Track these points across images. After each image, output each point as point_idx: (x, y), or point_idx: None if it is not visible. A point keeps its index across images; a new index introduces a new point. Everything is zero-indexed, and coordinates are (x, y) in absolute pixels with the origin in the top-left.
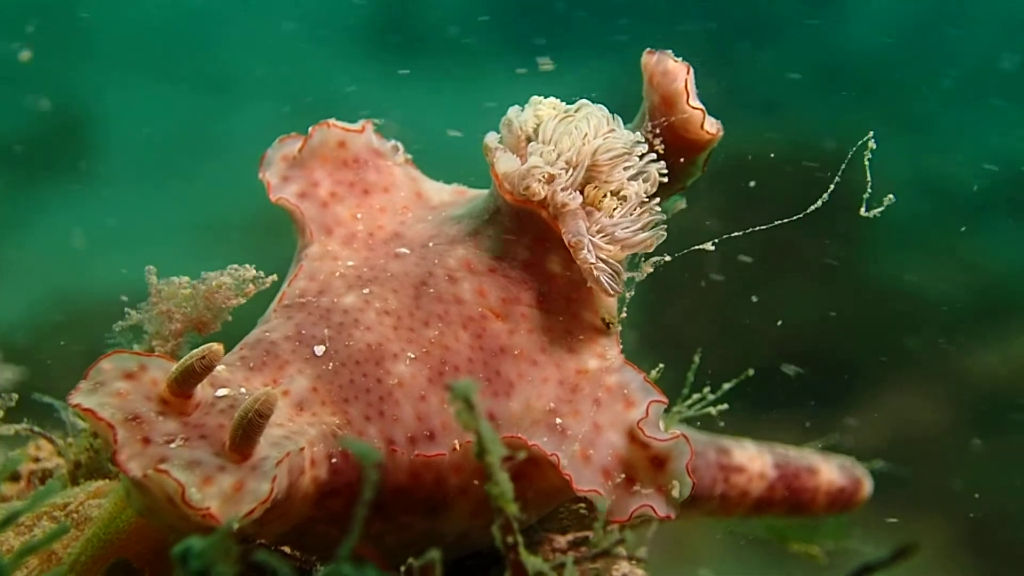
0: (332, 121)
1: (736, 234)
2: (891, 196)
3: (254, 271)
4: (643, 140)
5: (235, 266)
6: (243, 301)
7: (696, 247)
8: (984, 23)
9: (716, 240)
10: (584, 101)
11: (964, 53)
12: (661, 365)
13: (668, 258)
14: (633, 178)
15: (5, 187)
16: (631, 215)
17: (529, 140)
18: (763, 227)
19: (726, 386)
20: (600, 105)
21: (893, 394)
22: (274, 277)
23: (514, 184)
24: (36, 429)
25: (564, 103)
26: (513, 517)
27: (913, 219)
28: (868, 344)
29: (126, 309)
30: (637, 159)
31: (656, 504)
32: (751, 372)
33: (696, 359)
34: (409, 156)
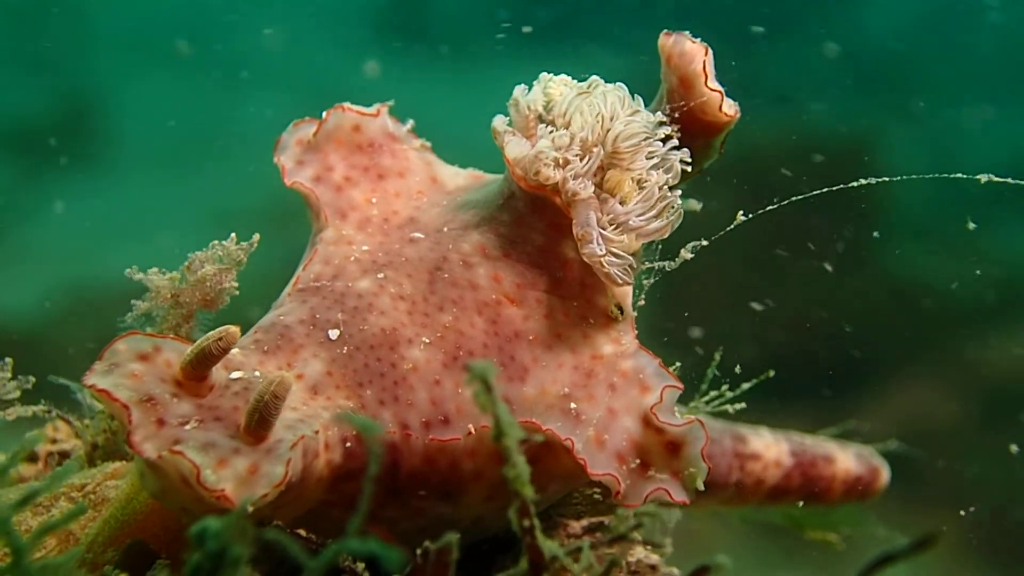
0: (347, 105)
1: (742, 219)
2: None
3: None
4: (665, 121)
5: (216, 243)
6: (235, 283)
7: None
8: (1000, 18)
9: (740, 219)
10: (596, 78)
11: (981, 46)
12: (677, 363)
13: (706, 242)
14: (655, 167)
15: (19, 174)
16: (645, 203)
17: (540, 119)
18: (770, 207)
19: (745, 385)
20: (620, 83)
21: (906, 387)
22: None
23: (525, 169)
24: (54, 410)
25: (576, 80)
26: (529, 500)
27: (928, 212)
28: (882, 337)
29: (132, 300)
30: (660, 144)
31: (671, 488)
32: (772, 373)
33: (717, 356)
34: (427, 143)
